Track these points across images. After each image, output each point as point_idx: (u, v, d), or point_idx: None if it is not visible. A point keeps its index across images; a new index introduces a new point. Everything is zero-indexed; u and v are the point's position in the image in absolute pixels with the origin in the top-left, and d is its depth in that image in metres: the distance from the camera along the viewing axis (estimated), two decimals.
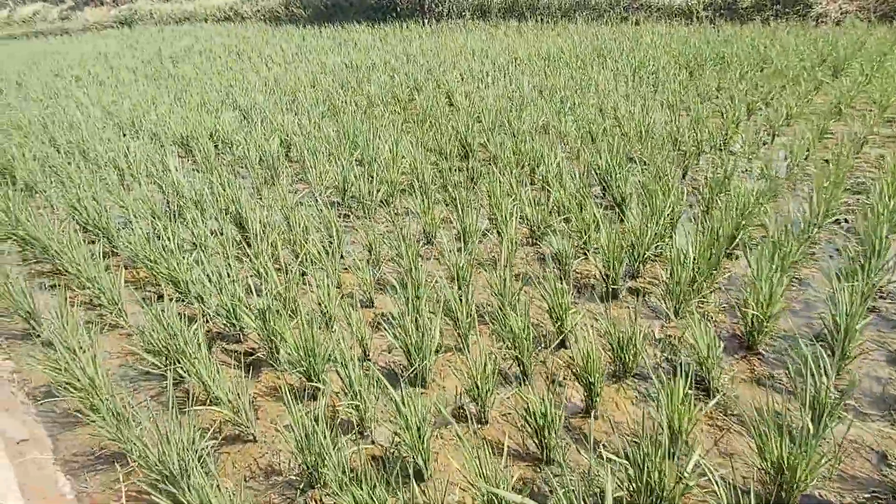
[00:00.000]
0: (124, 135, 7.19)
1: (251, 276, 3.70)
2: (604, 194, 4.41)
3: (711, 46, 8.73)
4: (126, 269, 3.96)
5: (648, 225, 3.25)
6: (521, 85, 7.65)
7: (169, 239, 3.97)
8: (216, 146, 6.25)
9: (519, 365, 2.60)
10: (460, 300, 2.80)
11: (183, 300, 3.44)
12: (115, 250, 4.20)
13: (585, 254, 3.47)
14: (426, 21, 17.49)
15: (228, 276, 3.58)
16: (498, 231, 3.95)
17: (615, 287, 3.08)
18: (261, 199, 4.57)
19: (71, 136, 6.76)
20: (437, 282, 3.32)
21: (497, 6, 16.89)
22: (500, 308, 2.77)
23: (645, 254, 3.21)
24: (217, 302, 3.06)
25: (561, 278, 3.34)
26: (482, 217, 4.26)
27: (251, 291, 3.45)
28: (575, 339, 2.78)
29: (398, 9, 18.68)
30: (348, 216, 4.51)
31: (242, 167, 5.82)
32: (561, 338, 2.78)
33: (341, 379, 2.41)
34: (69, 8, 28.73)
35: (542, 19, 15.37)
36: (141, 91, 9.46)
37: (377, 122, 6.26)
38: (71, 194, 4.67)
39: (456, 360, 2.78)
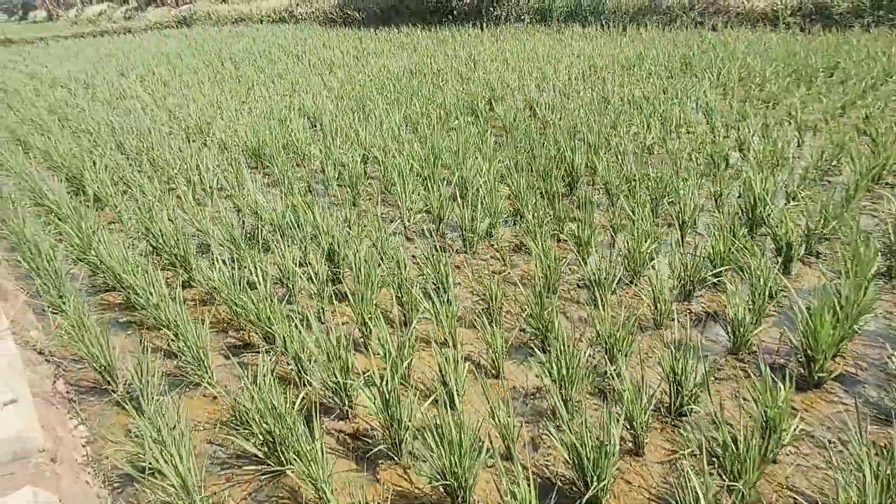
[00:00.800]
0: (192, 141, 6.82)
1: (348, 321, 3.16)
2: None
3: (821, 55, 7.79)
4: (203, 304, 3.48)
5: (858, 289, 2.54)
6: (607, 96, 6.94)
7: (250, 272, 3.47)
8: (290, 159, 5.77)
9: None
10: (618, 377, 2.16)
11: (271, 351, 2.92)
12: (191, 280, 3.72)
13: (757, 321, 2.77)
14: (483, 25, 16.86)
15: (322, 322, 3.05)
16: (633, 280, 3.29)
17: (820, 375, 2.38)
18: (348, 227, 4.04)
19: (139, 142, 6.42)
20: (582, 346, 2.69)
21: (558, 10, 16.11)
22: (680, 405, 2.12)
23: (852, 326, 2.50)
24: (320, 367, 2.52)
25: (739, 355, 2.66)
26: (608, 257, 3.60)
27: (354, 346, 2.90)
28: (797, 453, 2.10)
29: (454, 12, 18.11)
30: (445, 249, 3.92)
31: (318, 183, 5.32)
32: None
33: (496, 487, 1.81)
34: (133, 8, 29.30)
35: (607, 25, 14.52)
36: (206, 94, 9.14)
37: (460, 135, 5.67)
38: (143, 212, 4.24)
39: (638, 473, 2.14)
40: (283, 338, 2.64)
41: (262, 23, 24.69)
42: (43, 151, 6.46)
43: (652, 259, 3.30)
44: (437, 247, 3.94)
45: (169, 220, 4.09)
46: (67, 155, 5.64)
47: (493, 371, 2.68)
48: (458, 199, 4.39)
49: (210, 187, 5.01)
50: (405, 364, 2.56)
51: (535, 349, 2.70)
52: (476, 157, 4.94)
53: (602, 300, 2.87)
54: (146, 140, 6.54)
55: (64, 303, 3.30)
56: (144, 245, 4.13)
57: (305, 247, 3.78)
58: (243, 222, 4.49)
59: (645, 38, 11.75)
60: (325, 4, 23.60)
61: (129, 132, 6.82)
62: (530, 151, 5.14)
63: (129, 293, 3.41)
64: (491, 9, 17.15)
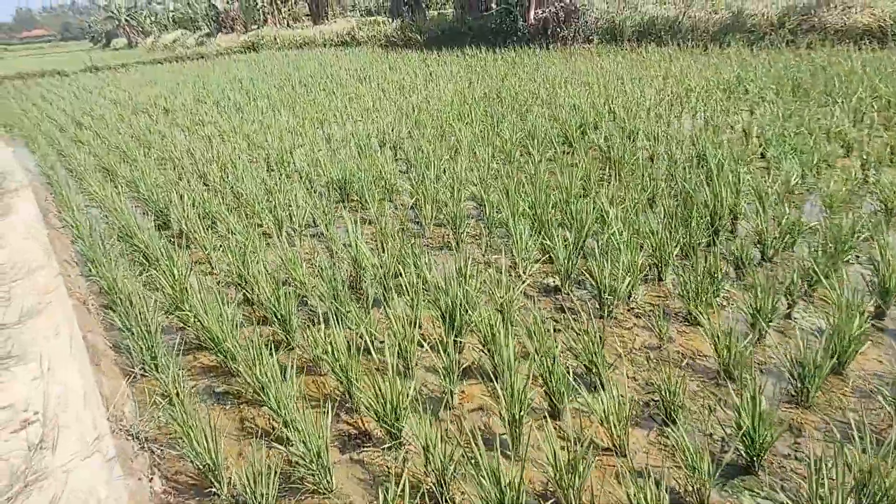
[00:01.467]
0: (271, 170, 6.55)
1: (480, 409, 2.61)
2: None
3: None
4: (308, 373, 3.02)
5: None
6: (715, 123, 6.21)
7: (360, 335, 3.00)
8: (380, 193, 5.35)
9: None
10: None
11: (395, 449, 2.40)
12: (289, 339, 3.29)
13: None
14: (549, 46, 16.34)
15: (450, 407, 2.51)
16: (839, 368, 2.60)
17: None
18: (462, 279, 3.51)
19: (222, 173, 6.19)
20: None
21: (630, 30, 15.39)
22: None
23: None
24: (469, 485, 1.97)
25: None
26: (798, 334, 2.92)
27: (501, 447, 2.34)
28: None
29: (518, 34, 17.69)
30: (576, 312, 3.33)
31: (413, 221, 4.86)
32: None
33: None
34: (204, 34, 30.58)
35: (684, 44, 13.70)
36: (282, 121, 8.98)
37: (569, 172, 5.10)
38: (234, 256, 3.87)
39: None
40: (411, 431, 2.11)
41: (325, 46, 25.12)
42: (129, 181, 6.34)
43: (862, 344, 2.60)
44: (566, 308, 3.36)
45: (265, 269, 3.69)
46: (153, 187, 5.42)
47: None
48: (580, 246, 3.80)
49: (300, 225, 4.62)
50: (578, 484, 1.98)
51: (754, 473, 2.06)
52: (590, 197, 4.35)
53: (810, 396, 2.20)
54: (229, 170, 6.31)
55: (158, 367, 2.92)
56: (237, 294, 3.76)
57: (416, 303, 3.28)
58: (341, 269, 4.06)
59: (733, 58, 10.89)
60: (386, 27, 23.75)
61: (210, 161, 6.62)
62: (650, 190, 4.51)
63: (225, 357, 3.00)
64: (558, 29, 16.62)
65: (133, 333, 3.03)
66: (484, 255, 4.11)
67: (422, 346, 2.96)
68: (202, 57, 25.23)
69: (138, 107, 11.53)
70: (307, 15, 29.44)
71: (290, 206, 4.86)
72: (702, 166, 4.88)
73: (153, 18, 40.97)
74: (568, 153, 6.02)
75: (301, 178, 6.09)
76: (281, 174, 6.31)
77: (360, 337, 3.08)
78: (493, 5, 22.25)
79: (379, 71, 14.08)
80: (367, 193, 5.02)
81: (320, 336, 2.91)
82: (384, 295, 3.50)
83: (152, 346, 3.00)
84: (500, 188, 4.80)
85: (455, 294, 3.04)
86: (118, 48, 43.63)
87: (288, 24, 29.24)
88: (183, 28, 35.67)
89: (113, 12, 41.91)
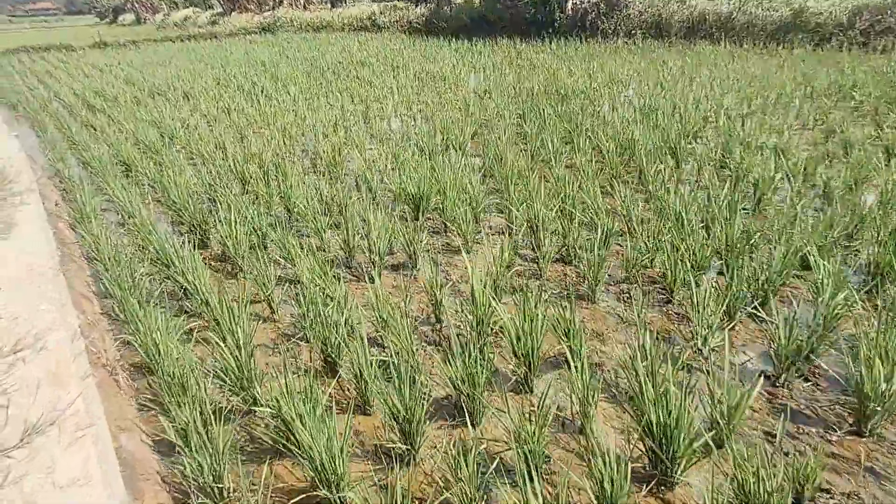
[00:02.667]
0: (319, 172, 5.53)
1: None
2: None
3: None
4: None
5: None
6: (848, 140, 5.21)
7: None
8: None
9: None
10: None
11: None
12: (413, 452, 2.31)
13: None
14: (587, 39, 15.21)
15: None
16: None
17: None
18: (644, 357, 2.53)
19: (263, 175, 5.17)
20: None
21: (677, 24, 14.27)
22: None
23: None
24: None
25: None
26: None
27: None
28: None
29: (555, 24, 16.53)
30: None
31: (523, 257, 3.85)
32: None
33: None
34: (217, 13, 29.19)
35: (738, 42, 12.62)
36: (318, 112, 7.92)
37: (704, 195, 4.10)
38: (302, 306, 2.88)
39: None
40: None
41: (343, 30, 23.86)
42: (152, 179, 5.32)
43: None
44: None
45: (346, 324, 2.72)
46: (186, 196, 4.40)
47: None
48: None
49: (380, 254, 3.61)
50: None
51: None
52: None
53: None
54: (272, 173, 5.29)
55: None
56: (313, 357, 2.78)
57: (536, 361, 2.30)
58: (463, 333, 3.07)
59: (801, 59, 9.84)
60: (410, 13, 22.50)
61: (247, 159, 5.59)
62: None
63: (322, 476, 2.03)
64: (598, 22, 15.48)
65: (190, 448, 2.05)
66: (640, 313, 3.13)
67: None
68: (215, 36, 23.95)
69: (155, 89, 10.42)
70: None
71: (354, 221, 3.85)
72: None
73: None
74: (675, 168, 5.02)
75: (357, 184, 5.08)
76: (332, 179, 5.29)
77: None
78: None
79: (410, 59, 12.96)
80: (457, 215, 4.02)
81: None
82: (532, 379, 2.53)
83: (218, 464, 2.02)
84: (624, 214, 3.81)
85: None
86: (126, 24, 42.08)
87: (304, 6, 27.90)
88: (194, 6, 34.21)
89: None
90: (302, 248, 3.59)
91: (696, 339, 2.69)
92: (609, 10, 15.68)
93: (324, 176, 5.34)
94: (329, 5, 27.05)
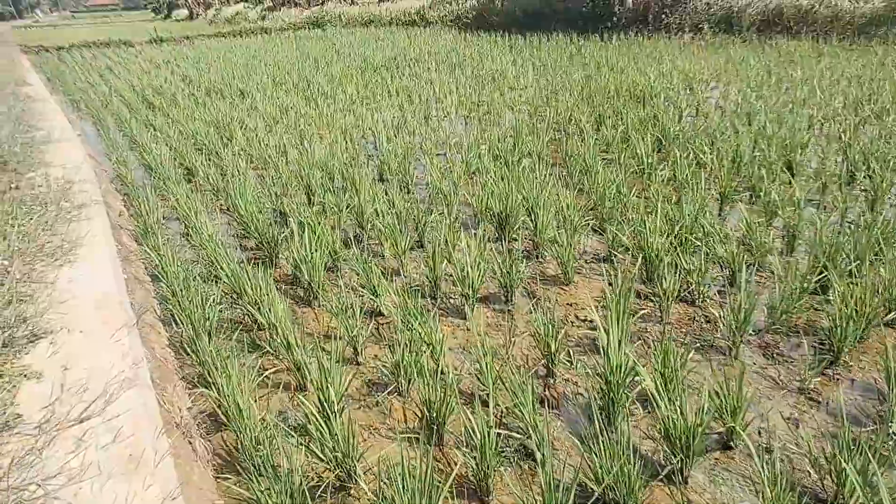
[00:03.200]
0: (385, 180, 5.13)
1: None
2: None
3: None
4: None
5: None
6: None
7: None
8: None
9: None
10: None
11: None
12: None
13: None
14: (650, 34, 14.32)
15: None
16: None
17: None
18: None
19: (331, 185, 4.81)
20: None
21: (751, 18, 13.24)
22: None
23: None
24: None
25: None
26: None
27: None
28: None
29: (614, 18, 15.68)
30: None
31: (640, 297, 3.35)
32: None
33: None
34: (267, 9, 29.37)
35: (822, 37, 11.55)
36: (379, 114, 7.55)
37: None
38: (411, 363, 2.47)
39: None
40: None
41: (391, 24, 23.53)
42: (214, 186, 5.04)
43: None
44: None
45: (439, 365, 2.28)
46: (255, 210, 4.06)
47: None
48: None
49: (473, 287, 3.16)
50: None
51: None
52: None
53: None
54: (338, 180, 4.93)
55: None
56: (411, 416, 2.37)
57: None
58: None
59: None
60: (459, 7, 21.95)
61: (312, 166, 5.24)
62: None
63: None
64: (663, 15, 14.57)
65: None
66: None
67: None
68: (265, 31, 24.02)
69: (211, 86, 10.29)
70: None
71: (438, 244, 3.41)
72: None
73: None
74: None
75: (431, 196, 4.65)
76: (403, 189, 4.88)
77: None
78: None
79: (465, 55, 12.46)
80: (550, 236, 3.53)
81: None
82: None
83: None
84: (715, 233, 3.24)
85: None
86: (179, 19, 43.04)
87: (352, 1, 27.72)
88: (245, 1, 34.59)
89: None
90: (379, 271, 3.19)
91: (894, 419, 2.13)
92: (674, 3, 14.74)
93: (393, 185, 4.94)
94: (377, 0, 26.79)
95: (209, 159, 5.96)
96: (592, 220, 3.93)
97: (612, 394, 2.23)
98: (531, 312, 3.09)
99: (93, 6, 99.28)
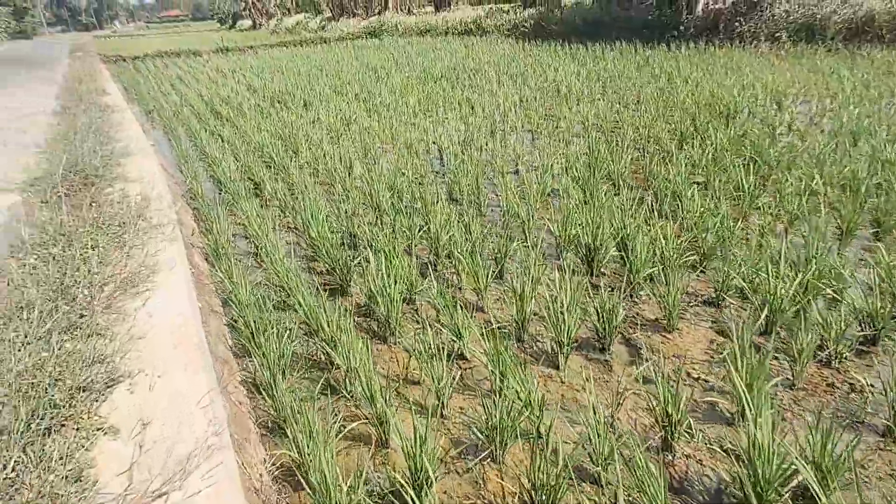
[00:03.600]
0: (457, 202, 4.86)
1: None
2: None
3: None
4: None
5: None
6: None
7: None
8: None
9: None
10: None
11: None
12: None
13: None
14: (721, 44, 13.52)
15: None
16: None
17: None
18: None
19: (401, 203, 4.59)
20: None
21: (836, 26, 12.27)
22: None
23: None
24: None
25: None
26: None
27: None
28: None
29: (681, 28, 14.94)
30: None
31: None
32: None
33: None
34: (326, 18, 30.01)
35: None
36: (449, 127, 7.33)
37: None
38: (489, 412, 2.17)
39: None
40: None
41: (447, 34, 23.48)
42: (283, 203, 4.93)
43: None
44: None
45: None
46: (326, 233, 3.88)
47: None
48: None
49: (568, 334, 2.83)
50: None
51: None
52: None
53: None
54: (407, 199, 4.71)
55: None
56: (510, 492, 2.06)
57: None
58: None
59: None
60: (514, 16, 21.64)
61: (378, 180, 5.04)
62: None
63: None
64: (736, 24, 13.74)
65: None
66: None
67: None
68: (324, 41, 24.48)
69: (275, 96, 10.40)
70: (429, 2, 27.94)
71: (523, 278, 3.09)
72: None
73: (277, 1, 41.46)
74: None
75: (505, 220, 4.34)
76: (476, 211, 4.60)
77: None
78: None
79: (527, 66, 12.12)
80: (647, 274, 3.16)
81: None
82: None
83: None
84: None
85: None
86: (243, 29, 44.78)
87: (409, 11, 27.91)
88: (305, 12, 35.54)
89: None
90: (459, 307, 2.90)
91: None
92: (749, 11, 13.89)
93: (465, 207, 4.67)
94: (434, 9, 26.84)
95: (276, 173, 5.89)
96: (691, 254, 3.52)
97: (759, 486, 1.84)
98: (633, 364, 2.73)
99: (165, 17, 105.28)
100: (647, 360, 2.73)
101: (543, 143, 6.47)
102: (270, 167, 6.21)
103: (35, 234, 3.22)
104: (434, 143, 6.65)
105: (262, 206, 5.05)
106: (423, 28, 24.77)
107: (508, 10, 22.74)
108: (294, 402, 2.39)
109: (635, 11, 17.46)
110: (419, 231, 4.05)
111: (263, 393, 2.47)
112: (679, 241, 3.48)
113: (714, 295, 3.21)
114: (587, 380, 2.65)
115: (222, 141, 7.40)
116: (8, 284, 2.71)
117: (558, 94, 9.05)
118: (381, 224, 4.46)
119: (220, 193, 5.45)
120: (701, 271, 3.51)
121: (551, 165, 5.25)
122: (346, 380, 2.63)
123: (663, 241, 3.42)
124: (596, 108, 7.72)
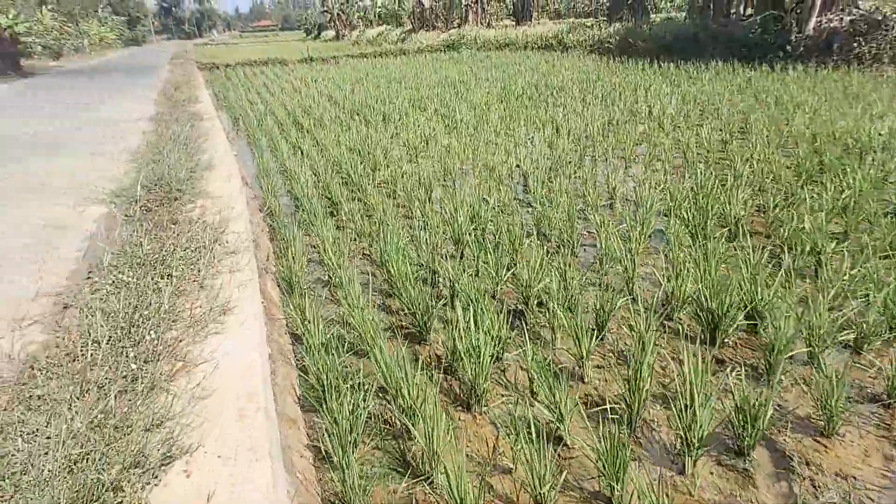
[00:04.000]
0: (546, 238, 4.40)
1: None
2: None
3: None
4: None
5: None
6: None
7: None
8: None
9: None
10: None
11: None
12: None
13: None
14: (833, 66, 12.18)
15: None
16: None
17: None
18: None
19: (483, 238, 4.19)
20: None
21: None
22: None
23: None
24: None
25: None
26: None
27: None
28: None
29: (788, 46, 13.65)
30: None
31: None
32: None
33: None
34: (407, 31, 30.47)
35: None
36: (531, 150, 6.90)
37: None
38: None
39: None
40: None
41: (527, 49, 23.04)
42: (359, 227, 4.67)
43: None
44: None
45: None
46: (402, 259, 3.55)
47: None
48: None
49: (701, 435, 2.29)
50: None
51: None
52: None
53: None
54: (490, 230, 4.30)
55: None
56: None
57: None
58: None
59: None
60: (599, 32, 20.84)
61: (463, 210, 4.68)
62: None
63: None
64: (854, 45, 12.36)
65: None
66: None
67: None
68: (404, 53, 24.75)
69: (355, 108, 10.39)
70: (509, 15, 27.66)
71: (638, 352, 2.56)
72: None
73: (361, 13, 42.78)
74: None
75: (602, 265, 3.82)
76: (567, 251, 4.11)
77: None
78: (742, 9, 18.18)
79: (614, 85, 11.45)
80: (811, 365, 2.56)
81: None
82: None
83: None
84: None
85: None
86: (326, 39, 46.54)
87: (488, 24, 27.76)
88: (386, 23, 36.35)
89: (328, 7, 44.69)
90: (555, 374, 2.43)
91: None
92: (870, 30, 12.47)
93: (555, 245, 4.21)
94: (514, 23, 26.51)
95: (353, 192, 5.69)
96: (847, 332, 2.86)
97: None
98: (781, 479, 2.15)
99: (256, 27, 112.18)
100: (801, 478, 2.14)
101: (639, 172, 5.87)
102: (347, 184, 6.03)
103: (114, 255, 3.11)
104: (517, 166, 6.23)
105: (337, 228, 4.83)
106: (502, 42, 24.49)
107: (592, 25, 22.00)
108: (365, 480, 2.04)
109: (734, 28, 16.24)
110: (506, 272, 3.63)
111: (331, 464, 2.13)
112: (831, 315, 2.83)
113: (884, 389, 2.55)
114: (722, 494, 2.10)
115: (301, 154, 7.35)
116: (80, 311, 2.56)
117: (651, 116, 8.37)
118: (464, 260, 4.07)
119: (296, 210, 5.30)
120: (857, 351, 2.84)
121: (652, 201, 4.67)
122: (426, 460, 2.24)
123: (809, 314, 2.80)
124: (696, 134, 7.00)
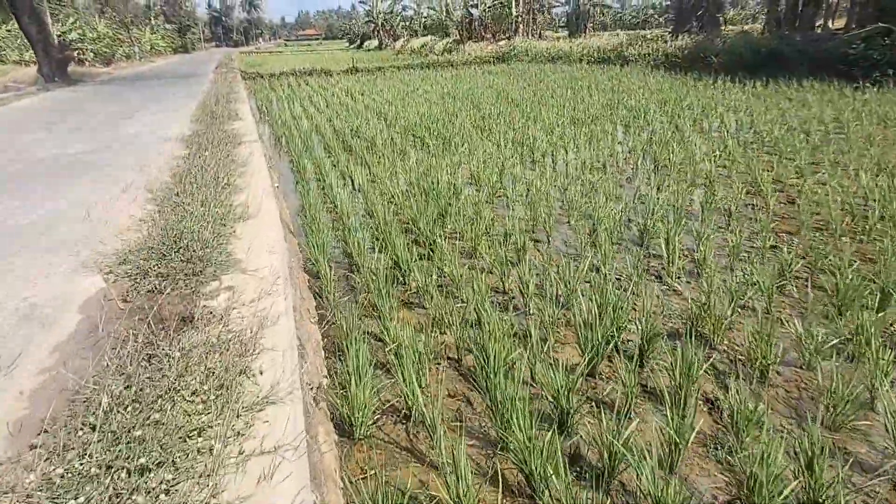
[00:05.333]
0: (623, 287, 3.06)
1: None
2: None
3: None
4: None
5: None
6: None
7: None
8: None
9: None
10: None
11: None
12: None
13: None
14: None
15: None
16: None
17: None
18: None
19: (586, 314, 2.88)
20: None
21: None
22: None
23: None
24: None
25: None
26: None
27: None
28: None
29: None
30: None
31: None
32: None
33: None
34: (453, 41, 29.46)
35: None
36: (607, 188, 5.56)
37: None
38: None
39: None
40: None
41: (580, 62, 21.62)
42: (437, 308, 3.42)
43: None
44: None
45: None
46: (513, 388, 2.29)
47: None
48: None
49: None
50: None
51: None
52: None
53: None
54: (629, 340, 2.99)
55: None
56: None
57: None
58: None
59: None
60: (666, 45, 19.26)
61: (573, 285, 3.37)
62: None
63: None
64: None
65: None
66: None
67: None
68: (451, 65, 23.68)
69: (409, 128, 9.24)
70: (561, 26, 26.28)
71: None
72: None
73: (405, 24, 42.16)
74: None
75: (690, 332, 2.46)
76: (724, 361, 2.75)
77: None
78: (830, 22, 16.35)
79: (703, 108, 9.96)
80: None
81: None
82: None
83: None
84: None
85: None
86: (370, 49, 46.15)
87: (539, 35, 26.47)
88: (431, 34, 35.49)
89: (373, 17, 44.28)
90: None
91: None
92: None
93: (706, 349, 2.86)
94: (567, 35, 25.14)
95: (422, 247, 4.48)
96: None
97: None
98: None
99: (301, 36, 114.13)
100: None
101: (743, 220, 4.45)
102: (409, 230, 4.83)
103: (78, 410, 1.94)
104: (630, 220, 4.89)
105: (405, 306, 3.62)
106: (553, 54, 23.15)
107: (655, 38, 20.41)
108: None
109: (824, 42, 14.46)
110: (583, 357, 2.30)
111: None
112: None
113: None
114: None
115: (353, 187, 6.22)
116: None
117: (762, 145, 6.90)
118: (596, 379, 2.77)
119: (350, 270, 4.11)
120: None
121: (761, 256, 3.25)
122: None
123: None
124: (836, 177, 5.52)
